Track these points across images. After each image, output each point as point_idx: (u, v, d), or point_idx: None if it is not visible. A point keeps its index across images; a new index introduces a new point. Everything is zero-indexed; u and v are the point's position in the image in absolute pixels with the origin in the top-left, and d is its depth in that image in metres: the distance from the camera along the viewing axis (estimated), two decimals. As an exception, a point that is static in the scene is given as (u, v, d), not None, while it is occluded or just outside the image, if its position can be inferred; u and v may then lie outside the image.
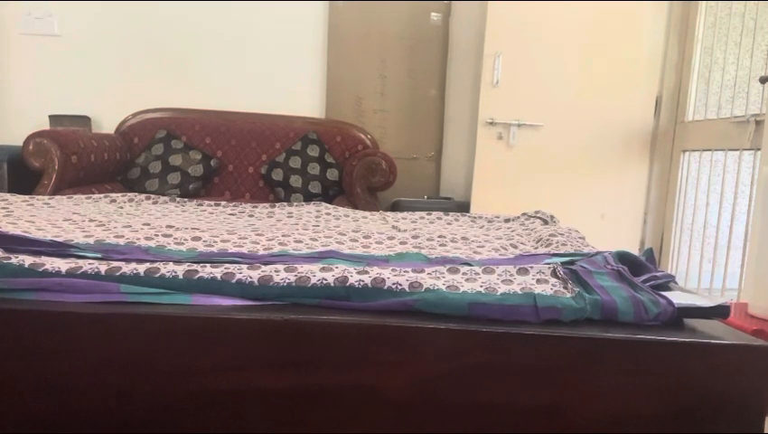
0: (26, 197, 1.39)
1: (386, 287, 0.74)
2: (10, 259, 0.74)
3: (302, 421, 0.70)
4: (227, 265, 0.78)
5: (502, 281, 0.78)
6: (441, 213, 1.46)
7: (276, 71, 3.14)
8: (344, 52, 3.15)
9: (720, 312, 0.73)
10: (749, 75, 2.67)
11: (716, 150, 2.77)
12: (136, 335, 0.70)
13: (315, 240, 1.05)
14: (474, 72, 3.03)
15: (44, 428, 0.70)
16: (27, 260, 0.75)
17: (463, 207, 2.80)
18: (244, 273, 0.75)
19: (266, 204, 1.50)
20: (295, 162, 2.85)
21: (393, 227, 1.28)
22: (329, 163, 2.89)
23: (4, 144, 2.74)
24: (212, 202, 1.50)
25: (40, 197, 1.41)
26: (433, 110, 3.22)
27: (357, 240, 1.08)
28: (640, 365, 0.69)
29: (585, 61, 2.90)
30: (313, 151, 2.90)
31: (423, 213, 1.46)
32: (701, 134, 2.88)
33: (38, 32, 3.05)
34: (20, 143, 2.37)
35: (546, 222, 1.34)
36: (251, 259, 0.84)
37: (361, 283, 0.74)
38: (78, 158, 2.43)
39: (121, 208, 1.37)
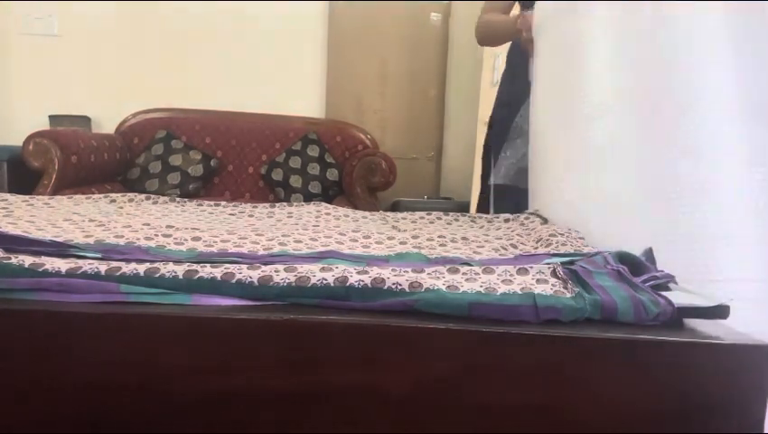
0: (26, 197, 1.39)
1: (386, 287, 0.74)
2: (10, 259, 0.74)
3: (302, 421, 0.70)
4: (227, 265, 0.78)
5: (502, 281, 0.78)
6: (441, 213, 1.46)
7: (276, 71, 3.14)
8: (344, 52, 3.15)
9: (720, 312, 0.73)
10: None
11: (716, 150, 2.77)
12: (136, 335, 0.70)
13: (315, 240, 1.05)
14: (474, 72, 3.03)
15: (44, 428, 0.70)
16: (27, 260, 0.75)
17: (463, 207, 2.80)
18: (244, 273, 0.75)
19: (266, 204, 1.50)
20: (295, 162, 2.85)
21: (393, 227, 1.28)
22: (329, 163, 2.89)
23: (4, 144, 2.74)
24: (212, 202, 1.50)
25: (40, 197, 1.41)
26: (433, 110, 3.22)
27: (357, 240, 1.08)
28: (640, 365, 0.69)
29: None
30: (313, 151, 2.90)
31: (423, 213, 1.46)
32: (701, 134, 2.87)
33: (38, 32, 3.05)
34: (20, 143, 2.38)
35: (545, 222, 1.34)
36: (251, 259, 0.84)
37: (361, 283, 0.74)
38: (78, 158, 2.43)
39: (121, 208, 1.37)
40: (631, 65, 1.19)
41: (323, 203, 1.51)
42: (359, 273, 0.76)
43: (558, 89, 1.43)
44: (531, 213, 1.42)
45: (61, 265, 0.75)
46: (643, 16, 1.17)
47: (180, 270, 0.76)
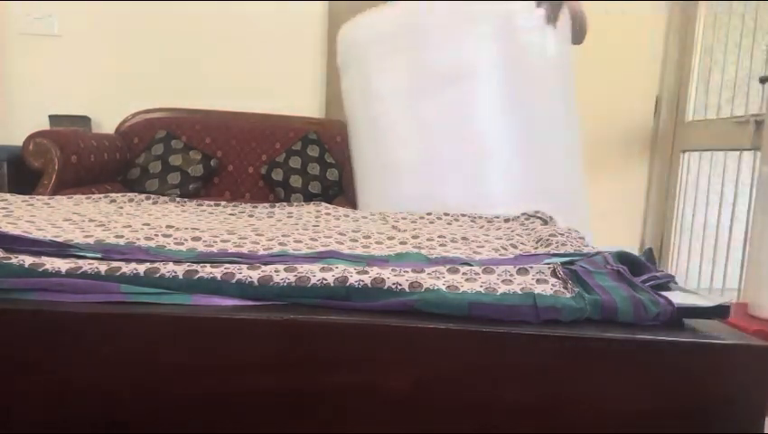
0: (26, 197, 1.39)
1: (386, 287, 0.74)
2: (10, 259, 0.74)
3: (302, 421, 0.70)
4: (227, 265, 0.78)
5: (502, 281, 0.78)
6: (441, 213, 1.46)
7: (276, 71, 3.13)
8: (344, 52, 3.14)
9: (720, 312, 0.73)
10: (749, 75, 2.66)
11: (716, 150, 2.77)
12: (136, 335, 0.70)
13: (315, 240, 1.05)
14: (474, 72, 3.02)
15: (44, 428, 0.70)
16: (27, 260, 0.74)
17: (463, 207, 2.79)
18: (244, 273, 0.75)
19: (266, 204, 1.50)
20: (295, 162, 2.85)
21: (393, 227, 1.28)
22: (329, 163, 2.89)
23: (4, 144, 2.74)
24: (212, 202, 1.50)
25: (40, 197, 1.41)
26: (433, 110, 3.22)
27: (357, 241, 1.08)
28: (640, 365, 0.69)
29: (585, 61, 2.90)
30: (313, 151, 2.90)
31: (423, 213, 1.46)
32: (701, 134, 2.88)
33: (38, 32, 3.04)
34: (20, 143, 2.37)
35: (546, 222, 1.34)
36: (251, 260, 0.84)
37: (361, 283, 0.74)
38: (78, 158, 2.43)
39: (121, 208, 1.37)
40: (408, 95, 1.66)
41: (323, 203, 1.51)
42: (359, 273, 0.76)
43: (360, 112, 1.87)
44: (532, 214, 1.42)
45: (61, 265, 0.75)
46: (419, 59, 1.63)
47: (180, 270, 0.76)
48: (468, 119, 1.61)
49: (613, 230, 3.07)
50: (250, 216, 1.38)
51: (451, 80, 1.58)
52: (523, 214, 1.43)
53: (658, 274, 0.83)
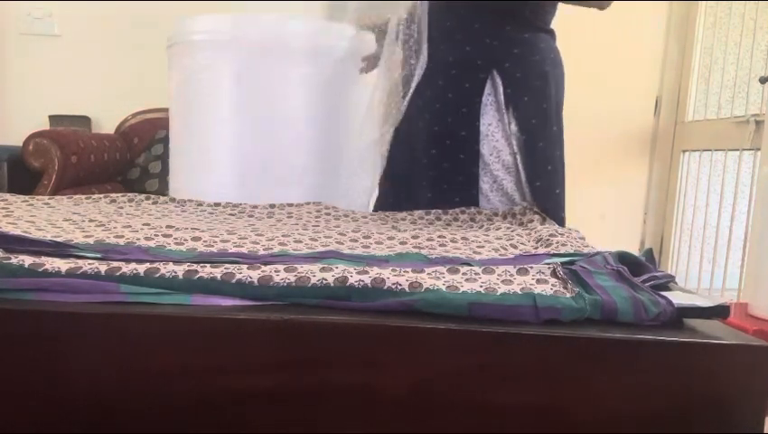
0: (26, 197, 1.39)
1: (386, 287, 0.74)
2: (10, 259, 0.74)
3: (301, 421, 0.70)
4: (227, 265, 0.78)
5: (502, 281, 0.78)
6: (441, 213, 1.46)
7: (276, 71, 3.13)
8: (344, 52, 3.15)
9: (720, 312, 0.73)
10: (749, 75, 2.66)
11: (716, 150, 2.78)
12: (136, 335, 0.70)
13: (315, 240, 1.05)
14: (474, 72, 3.02)
15: (43, 428, 0.70)
16: (27, 260, 0.75)
17: (463, 207, 2.80)
18: (244, 273, 0.75)
19: (266, 204, 1.50)
20: (295, 162, 2.85)
21: (393, 227, 1.28)
22: (329, 163, 2.89)
23: (4, 144, 2.74)
24: (212, 202, 1.50)
25: (40, 197, 1.41)
26: (433, 110, 3.22)
27: (357, 241, 1.08)
28: (640, 365, 0.69)
29: (585, 61, 2.90)
30: (313, 151, 2.90)
31: (423, 213, 1.46)
32: (701, 134, 2.88)
33: (38, 32, 3.05)
34: (20, 143, 2.38)
35: (545, 221, 1.34)
36: (251, 260, 0.84)
37: (361, 283, 0.74)
38: (78, 158, 2.43)
39: (121, 208, 1.37)
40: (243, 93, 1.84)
41: (323, 203, 1.51)
42: (359, 273, 0.76)
43: (188, 105, 2.01)
44: (530, 211, 1.42)
45: (61, 265, 0.75)
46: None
47: (180, 270, 0.76)
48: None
49: (613, 230, 3.08)
50: (250, 216, 1.38)
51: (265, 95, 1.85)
52: (525, 215, 1.43)
53: (658, 274, 0.83)
